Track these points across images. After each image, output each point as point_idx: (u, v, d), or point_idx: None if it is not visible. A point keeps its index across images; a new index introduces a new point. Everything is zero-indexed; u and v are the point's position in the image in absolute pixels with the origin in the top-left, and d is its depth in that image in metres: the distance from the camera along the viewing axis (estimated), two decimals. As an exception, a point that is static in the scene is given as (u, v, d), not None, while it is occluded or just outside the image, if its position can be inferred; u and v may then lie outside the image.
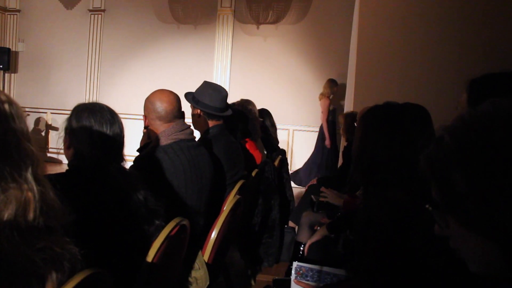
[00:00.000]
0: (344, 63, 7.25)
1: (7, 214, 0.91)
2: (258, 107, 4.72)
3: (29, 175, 0.98)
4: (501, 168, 0.69)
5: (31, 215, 0.96)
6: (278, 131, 4.98)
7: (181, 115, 2.26)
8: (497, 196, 0.69)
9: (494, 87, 1.64)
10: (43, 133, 9.28)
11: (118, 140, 1.66)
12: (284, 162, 4.60)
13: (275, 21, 8.00)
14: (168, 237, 1.55)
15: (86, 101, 1.74)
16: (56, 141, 8.84)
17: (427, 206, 0.84)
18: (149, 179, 1.80)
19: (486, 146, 0.71)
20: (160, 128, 2.18)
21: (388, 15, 5.15)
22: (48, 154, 8.93)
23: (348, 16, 7.14)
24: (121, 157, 1.69)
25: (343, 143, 5.23)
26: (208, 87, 2.90)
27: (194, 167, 2.14)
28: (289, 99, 7.89)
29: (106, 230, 1.49)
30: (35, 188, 0.98)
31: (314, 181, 4.64)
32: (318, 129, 7.57)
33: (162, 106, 2.18)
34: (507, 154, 0.69)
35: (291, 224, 4.12)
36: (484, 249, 0.74)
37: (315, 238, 2.50)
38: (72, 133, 1.63)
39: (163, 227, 1.58)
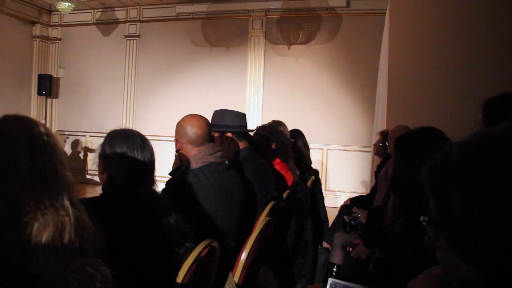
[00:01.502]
0: (375, 81, 7.23)
1: (45, 237, 0.98)
2: (291, 127, 4.74)
3: (66, 201, 1.05)
4: (504, 199, 0.64)
5: (66, 238, 1.02)
6: (311, 151, 4.99)
7: (211, 138, 2.32)
8: (492, 228, 0.65)
9: (510, 107, 1.61)
10: (81, 155, 9.58)
11: (148, 165, 1.73)
12: (317, 183, 4.59)
13: (306, 41, 8.07)
14: (197, 258, 1.58)
15: (119, 128, 1.81)
16: (92, 164, 9.00)
17: (421, 218, 0.81)
18: (180, 202, 1.86)
19: (491, 172, 0.66)
20: (191, 151, 2.24)
21: (418, 33, 5.13)
22: (87, 176, 9.19)
23: (378, 34, 7.14)
24: (152, 181, 1.75)
25: (376, 161, 5.19)
26: (223, 112, 2.97)
27: (224, 190, 2.18)
28: (322, 118, 7.89)
29: (137, 252, 1.54)
30: (70, 212, 1.05)
31: (347, 201, 4.61)
32: (352, 148, 7.56)
33: (193, 131, 2.24)
34: None
35: (325, 244, 4.09)
36: (466, 273, 0.71)
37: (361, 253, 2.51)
38: (105, 159, 1.71)
39: (192, 249, 1.62)
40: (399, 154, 1.68)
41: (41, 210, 0.99)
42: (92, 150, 9.41)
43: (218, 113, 2.98)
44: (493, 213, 0.65)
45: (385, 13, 6.82)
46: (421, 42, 5.13)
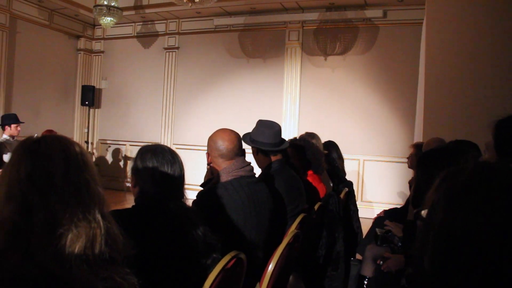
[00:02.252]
0: (413, 91, 7.16)
1: (78, 247, 1.08)
2: (327, 137, 4.77)
3: (97, 214, 1.15)
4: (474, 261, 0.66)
5: (97, 248, 1.11)
6: (347, 162, 4.98)
7: (242, 152, 2.39)
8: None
9: None
10: (121, 164, 9.85)
11: (178, 179, 1.80)
12: (351, 194, 4.59)
13: (343, 52, 8.07)
14: (223, 269, 1.65)
15: (151, 143, 1.90)
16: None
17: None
18: (209, 214, 1.93)
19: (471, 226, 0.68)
20: (222, 165, 2.32)
21: (455, 43, 5.08)
22: (127, 184, 9.44)
23: (416, 44, 7.10)
24: (181, 194, 1.83)
25: (412, 173, 5.14)
26: (260, 125, 3.03)
27: (253, 203, 2.24)
28: (359, 129, 7.86)
29: (164, 262, 1.61)
30: (101, 224, 1.14)
31: (381, 213, 4.59)
32: (389, 159, 7.50)
33: (224, 145, 2.32)
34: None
35: (358, 256, 4.08)
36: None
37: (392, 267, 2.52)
38: (137, 173, 1.81)
39: (219, 260, 1.69)
40: (420, 171, 1.69)
41: (75, 222, 1.09)
42: (132, 157, 9.65)
43: (257, 126, 3.05)
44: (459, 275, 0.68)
45: (422, 22, 6.78)
46: (458, 53, 5.07)
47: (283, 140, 3.03)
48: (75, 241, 1.08)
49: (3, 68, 8.10)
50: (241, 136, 2.98)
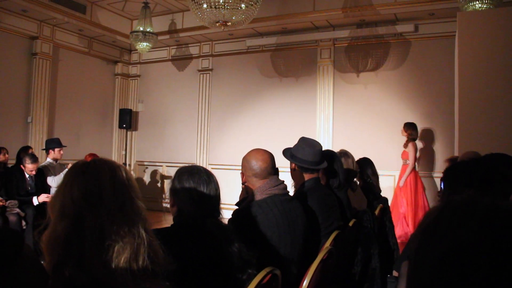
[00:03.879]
0: (448, 105, 7.09)
1: (123, 258, 1.19)
2: (362, 154, 4.78)
3: (141, 228, 1.27)
4: None
5: (140, 260, 1.23)
6: (382, 178, 4.97)
7: (275, 171, 2.46)
8: None
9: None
10: (158, 184, 10.05)
11: (214, 198, 1.90)
12: (386, 211, 4.58)
13: (375, 68, 8.08)
14: (259, 284, 1.71)
15: (187, 164, 2.01)
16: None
17: None
18: (244, 231, 2.01)
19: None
20: (256, 184, 2.40)
21: (488, 55, 5.04)
22: (164, 204, 9.63)
23: (450, 57, 7.04)
24: (218, 212, 1.92)
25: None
26: (302, 142, 3.09)
27: (287, 220, 2.30)
28: (393, 145, 7.78)
29: (202, 278, 1.69)
30: (144, 238, 1.26)
31: (417, 229, 4.55)
32: (425, 174, 7.42)
33: (257, 164, 2.40)
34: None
35: (395, 273, 4.04)
36: None
37: None
38: (175, 193, 1.91)
39: (255, 275, 1.75)
40: (445, 185, 1.72)
41: (121, 236, 1.22)
42: (168, 178, 9.87)
43: (299, 143, 3.12)
44: None
45: (455, 35, 6.74)
46: (491, 64, 5.03)
47: (323, 160, 3.07)
48: (121, 253, 1.20)
49: (47, 94, 8.48)
50: (282, 150, 3.07)
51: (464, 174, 1.63)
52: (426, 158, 7.62)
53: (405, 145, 7.17)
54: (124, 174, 1.31)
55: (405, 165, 7.05)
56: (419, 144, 7.56)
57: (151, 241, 1.28)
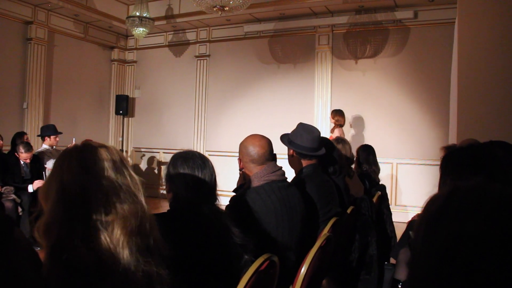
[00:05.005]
0: (446, 93, 7.05)
1: (122, 239, 1.19)
2: (360, 141, 4.76)
3: (143, 199, 1.29)
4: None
5: (147, 227, 1.24)
6: (381, 165, 4.94)
7: (273, 157, 2.43)
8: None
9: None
10: (156, 171, 10.03)
11: (210, 183, 1.86)
12: (384, 198, 4.57)
13: (373, 55, 8.02)
14: (257, 271, 1.68)
15: (181, 150, 1.97)
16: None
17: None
18: (241, 218, 1.98)
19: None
20: (254, 170, 2.36)
21: (489, 42, 4.98)
22: (161, 191, 9.61)
23: (449, 44, 6.99)
24: (214, 198, 1.88)
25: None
26: (301, 128, 3.06)
27: (285, 207, 2.27)
28: (391, 132, 7.78)
29: (198, 264, 1.67)
30: (146, 207, 1.28)
31: (415, 217, 4.54)
32: (423, 162, 7.41)
33: (255, 150, 2.36)
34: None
35: (392, 260, 4.05)
36: None
37: None
38: (170, 179, 1.88)
39: (252, 262, 1.73)
40: (442, 173, 1.68)
41: (124, 206, 1.22)
42: (165, 164, 9.83)
43: (297, 128, 3.10)
44: None
45: (454, 22, 6.67)
46: (492, 51, 4.97)
47: (321, 146, 3.04)
48: (123, 227, 1.19)
49: (42, 80, 8.40)
50: (280, 136, 3.05)
51: (467, 160, 1.60)
52: (420, 145, 7.60)
53: (332, 131, 7.28)
54: (115, 151, 1.33)
55: None
56: (412, 132, 7.59)
57: (151, 218, 1.30)
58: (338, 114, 7.23)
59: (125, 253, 1.17)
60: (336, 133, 7.04)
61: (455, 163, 1.63)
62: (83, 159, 1.24)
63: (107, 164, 1.25)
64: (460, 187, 0.75)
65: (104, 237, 1.16)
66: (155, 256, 1.26)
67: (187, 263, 1.60)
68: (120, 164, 1.29)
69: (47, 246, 1.18)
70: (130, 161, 10.30)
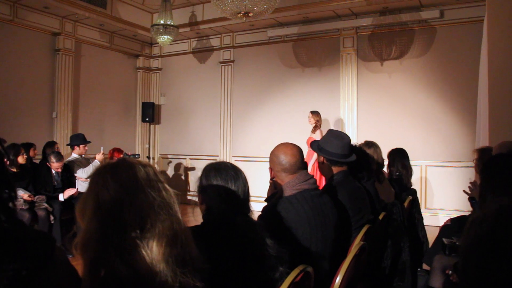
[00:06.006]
0: (474, 93, 6.92)
1: (163, 245, 1.20)
2: (387, 144, 4.69)
3: (179, 213, 1.29)
4: None
5: (179, 246, 1.23)
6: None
7: (305, 166, 2.40)
8: None
9: None
10: (183, 177, 10.09)
11: (243, 194, 1.86)
12: (415, 202, 4.50)
13: (399, 56, 7.92)
14: (292, 283, 1.67)
15: (214, 161, 1.97)
16: (194, 184, 9.56)
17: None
18: (275, 228, 1.97)
19: None
20: (285, 179, 2.34)
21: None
22: (188, 197, 9.67)
23: (477, 43, 6.85)
24: (247, 209, 1.87)
25: (477, 179, 4.95)
26: (330, 135, 3.04)
27: (318, 215, 2.25)
28: (419, 134, 7.66)
29: (234, 277, 1.66)
30: (182, 223, 1.28)
31: (448, 221, 4.45)
32: (453, 164, 7.30)
33: (286, 159, 2.34)
34: None
35: (425, 266, 3.98)
36: None
37: None
38: (203, 191, 1.87)
39: (287, 274, 1.71)
40: (483, 178, 1.64)
41: (161, 221, 1.22)
42: (192, 169, 9.92)
43: (327, 135, 3.09)
44: None
45: (483, 20, 6.54)
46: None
47: (351, 152, 3.01)
48: (161, 239, 1.20)
49: (70, 90, 8.56)
50: (310, 143, 3.03)
51: (506, 166, 1.55)
52: (449, 147, 7.46)
53: (313, 131, 7.34)
54: (154, 173, 1.33)
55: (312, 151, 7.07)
56: (441, 133, 7.49)
57: (186, 231, 1.30)
58: (318, 115, 7.47)
59: (162, 266, 1.18)
60: (318, 134, 7.19)
61: (498, 172, 1.58)
62: (117, 175, 1.26)
63: (141, 180, 1.26)
64: (507, 207, 0.73)
65: (141, 252, 1.17)
66: (191, 268, 1.25)
67: (222, 275, 1.59)
68: (154, 178, 1.30)
69: (85, 262, 1.19)
70: (157, 167, 10.39)
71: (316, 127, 7.37)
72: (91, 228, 1.20)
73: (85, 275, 1.18)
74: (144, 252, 1.16)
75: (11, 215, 1.00)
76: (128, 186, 1.23)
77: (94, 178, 1.30)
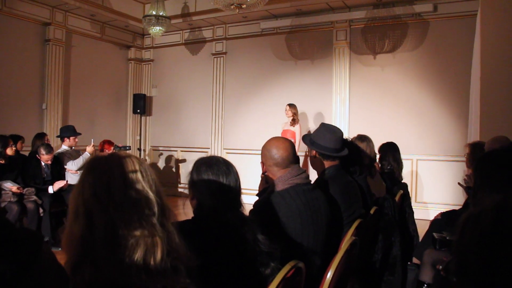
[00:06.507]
0: (466, 87, 6.93)
1: (137, 256, 1.14)
2: (378, 137, 4.68)
3: (156, 223, 1.21)
4: None
5: (158, 256, 1.17)
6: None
7: (297, 160, 2.38)
8: None
9: None
10: (174, 169, 10.06)
11: (234, 189, 1.82)
12: (406, 197, 4.50)
13: (392, 50, 7.91)
14: (284, 279, 1.65)
15: (205, 156, 1.94)
16: (185, 177, 9.56)
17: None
18: (267, 223, 1.94)
19: None
20: (277, 173, 2.32)
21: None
22: (179, 189, 9.65)
23: (470, 37, 6.86)
24: (239, 204, 1.85)
25: (467, 172, 4.97)
26: (323, 128, 3.01)
27: (310, 210, 2.23)
28: (411, 128, 7.67)
29: (224, 273, 1.64)
30: (160, 233, 1.20)
31: (438, 216, 4.46)
32: (444, 158, 7.32)
33: (278, 153, 2.32)
34: None
35: (415, 260, 3.99)
36: None
37: None
38: (194, 186, 1.84)
39: (278, 269, 1.69)
40: (477, 173, 1.62)
41: (133, 232, 1.16)
42: (183, 161, 9.89)
43: (319, 129, 3.05)
44: None
45: (476, 14, 6.54)
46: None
47: (344, 147, 2.99)
48: (135, 250, 1.14)
49: (60, 81, 8.47)
50: (302, 136, 3.01)
51: (500, 162, 1.54)
52: (441, 141, 7.48)
53: (293, 124, 7.50)
54: (137, 167, 1.26)
55: None
56: (433, 127, 7.52)
57: (170, 236, 1.23)
58: (295, 108, 7.62)
59: (148, 265, 1.15)
60: (297, 128, 7.42)
61: (493, 168, 1.57)
62: (93, 182, 1.21)
63: (118, 186, 1.21)
64: (506, 203, 0.72)
65: (126, 252, 1.13)
66: (179, 266, 1.23)
67: (212, 272, 1.58)
68: (135, 183, 1.24)
69: (68, 262, 1.17)
70: (148, 159, 10.35)
71: (295, 120, 7.50)
72: (72, 231, 1.18)
73: (71, 275, 1.15)
74: (117, 262, 1.13)
75: None
76: (100, 194, 1.19)
77: (81, 175, 1.27)
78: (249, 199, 2.50)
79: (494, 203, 0.74)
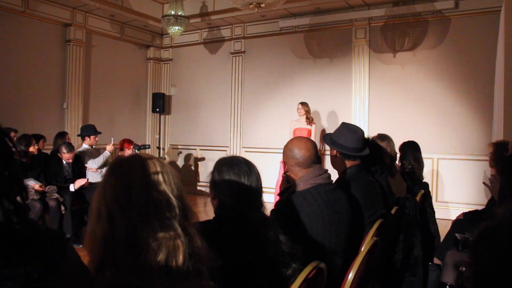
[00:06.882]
0: (490, 85, 6.81)
1: (159, 259, 1.14)
2: (398, 136, 4.63)
3: (177, 225, 1.21)
4: None
5: (180, 259, 1.16)
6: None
7: (318, 160, 2.37)
8: None
9: None
10: (192, 168, 10.11)
11: (255, 189, 1.82)
12: (427, 196, 4.44)
13: (412, 48, 7.82)
14: (305, 280, 1.65)
15: (226, 156, 1.94)
16: (204, 175, 9.68)
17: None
18: (288, 223, 1.94)
19: None
20: (299, 173, 2.31)
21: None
22: (198, 188, 9.69)
23: (493, 34, 6.74)
24: (260, 204, 1.84)
25: (492, 173, 4.89)
26: (344, 128, 2.99)
27: (332, 210, 2.22)
28: (432, 126, 7.58)
29: (246, 274, 1.64)
30: (182, 236, 1.20)
31: (460, 215, 4.41)
32: (466, 157, 7.22)
33: (300, 153, 2.31)
34: None
35: (436, 261, 3.94)
36: None
37: None
38: (215, 186, 1.84)
39: (300, 270, 1.68)
40: (505, 176, 1.59)
41: (155, 236, 1.16)
42: (202, 160, 9.94)
43: (340, 128, 3.04)
44: None
45: (499, 11, 6.43)
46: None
47: (365, 146, 2.97)
48: (156, 254, 1.14)
49: (81, 80, 8.59)
50: (323, 136, 2.99)
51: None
52: (462, 140, 7.37)
53: (309, 123, 7.48)
54: (158, 169, 1.25)
55: None
56: (454, 126, 7.40)
57: (192, 239, 1.23)
58: (308, 106, 7.64)
59: (170, 268, 1.15)
60: (315, 126, 7.44)
61: None
62: (115, 185, 1.21)
63: (139, 190, 1.21)
64: None
65: (148, 255, 1.13)
66: (202, 269, 1.23)
67: (234, 273, 1.57)
68: (157, 186, 1.24)
69: (91, 262, 1.18)
70: (167, 158, 10.42)
71: (309, 119, 7.52)
72: (95, 232, 1.18)
73: (94, 276, 1.16)
74: (138, 265, 1.13)
75: (23, 215, 0.98)
76: (121, 198, 1.19)
77: (104, 178, 1.27)
78: (268, 198, 2.50)
79: (510, 217, 0.73)
